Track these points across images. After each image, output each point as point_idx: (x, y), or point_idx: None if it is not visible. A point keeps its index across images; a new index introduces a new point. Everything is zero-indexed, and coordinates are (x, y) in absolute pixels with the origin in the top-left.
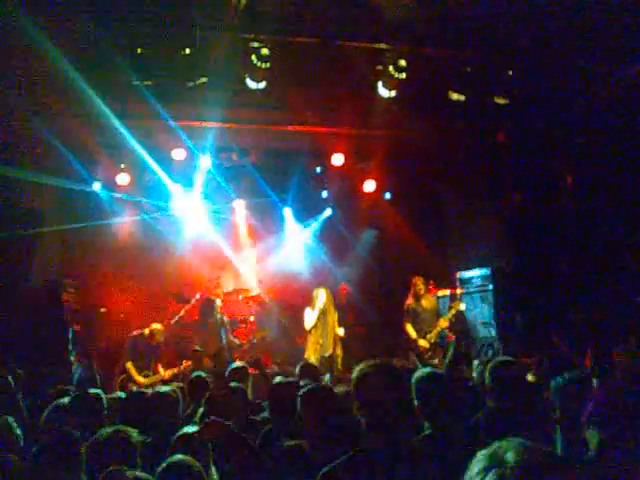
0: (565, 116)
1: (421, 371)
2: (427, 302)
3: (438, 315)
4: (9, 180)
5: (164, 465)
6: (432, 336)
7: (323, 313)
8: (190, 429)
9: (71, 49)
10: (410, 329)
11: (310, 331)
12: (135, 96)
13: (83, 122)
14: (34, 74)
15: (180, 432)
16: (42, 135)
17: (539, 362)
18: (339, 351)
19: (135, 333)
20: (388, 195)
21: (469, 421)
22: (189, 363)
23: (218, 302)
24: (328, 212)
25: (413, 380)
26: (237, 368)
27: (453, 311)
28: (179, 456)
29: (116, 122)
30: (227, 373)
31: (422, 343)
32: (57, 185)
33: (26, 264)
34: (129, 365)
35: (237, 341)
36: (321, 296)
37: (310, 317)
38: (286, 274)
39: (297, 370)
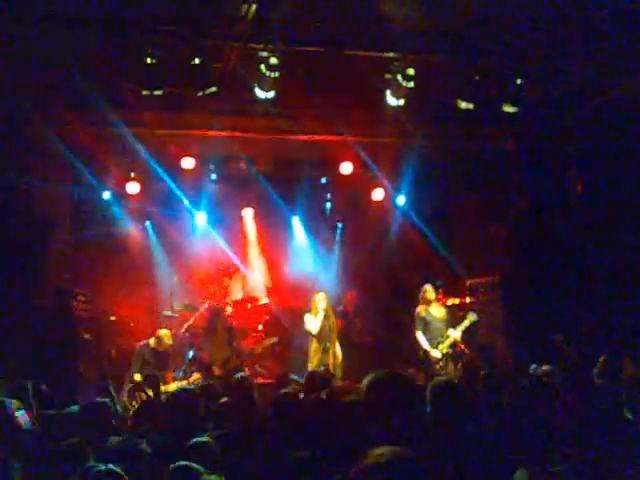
0: (574, 124)
1: (438, 379)
2: (437, 310)
3: (448, 324)
4: (20, 189)
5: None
6: (444, 347)
7: (326, 317)
8: (202, 438)
9: (81, 59)
10: (421, 338)
11: (315, 337)
12: (145, 105)
13: (94, 131)
14: (45, 84)
15: (192, 441)
16: (53, 144)
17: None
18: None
19: (142, 343)
20: (397, 203)
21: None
22: (198, 376)
23: (228, 309)
24: (337, 222)
25: (429, 388)
26: (243, 377)
27: (467, 322)
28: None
29: (126, 131)
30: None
31: (434, 354)
32: (68, 194)
33: (37, 272)
34: (137, 378)
35: (241, 350)
36: (322, 300)
37: (313, 322)
38: (295, 282)
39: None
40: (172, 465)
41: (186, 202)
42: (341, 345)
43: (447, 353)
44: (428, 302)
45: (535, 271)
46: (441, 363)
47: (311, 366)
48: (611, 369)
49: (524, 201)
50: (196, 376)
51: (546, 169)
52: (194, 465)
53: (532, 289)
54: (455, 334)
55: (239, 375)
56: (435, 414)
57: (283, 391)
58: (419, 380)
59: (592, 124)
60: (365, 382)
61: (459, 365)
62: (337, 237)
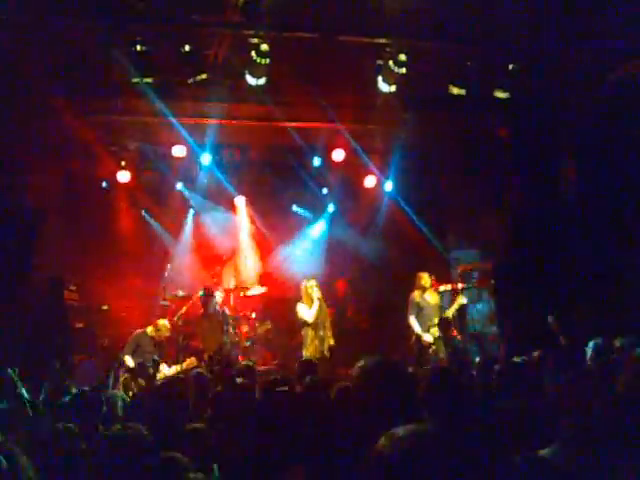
0: (566, 110)
1: (434, 366)
2: (431, 297)
3: (441, 310)
4: (11, 179)
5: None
6: (436, 331)
7: (320, 305)
8: (196, 425)
9: (72, 47)
10: (414, 322)
11: (310, 325)
12: (135, 93)
13: (83, 119)
14: (35, 72)
15: (186, 428)
16: (43, 133)
17: (542, 358)
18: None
19: (138, 331)
20: (389, 190)
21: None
22: (192, 360)
23: (218, 296)
24: (331, 208)
25: (426, 373)
26: (245, 367)
27: (456, 305)
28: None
29: (116, 119)
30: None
31: (426, 338)
32: (59, 183)
33: (28, 262)
34: (127, 361)
35: (234, 338)
36: (316, 289)
37: (308, 311)
38: (287, 270)
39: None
40: (159, 456)
41: (177, 190)
42: (333, 332)
43: (439, 337)
44: (423, 289)
45: (528, 258)
46: (433, 347)
47: (307, 354)
48: (604, 354)
49: (517, 188)
50: (190, 360)
51: (539, 156)
52: (182, 459)
53: (524, 276)
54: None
55: (245, 364)
56: (429, 401)
57: (272, 378)
58: (410, 365)
59: (585, 110)
60: (355, 369)
61: (449, 349)
62: (329, 224)
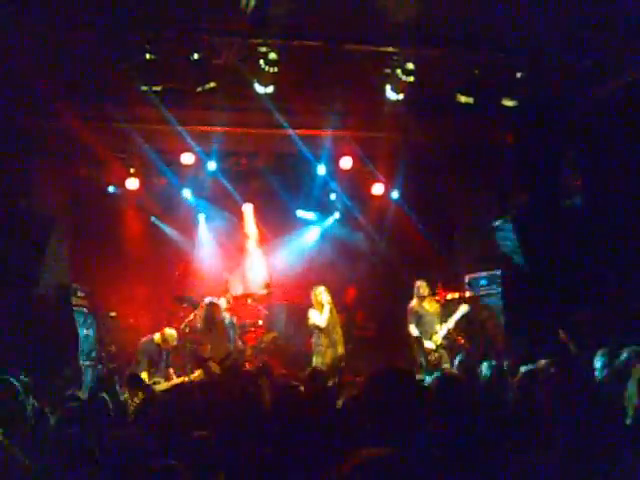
0: (574, 117)
1: (442, 374)
2: (430, 305)
3: (441, 318)
4: (19, 185)
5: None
6: (438, 338)
7: (331, 310)
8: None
9: (82, 55)
10: (414, 330)
11: (322, 331)
12: (144, 101)
13: (93, 127)
14: (45, 79)
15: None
16: (52, 139)
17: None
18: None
19: (145, 339)
20: (396, 198)
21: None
22: (199, 373)
23: (223, 303)
24: (337, 215)
25: (433, 381)
26: (257, 370)
27: (459, 314)
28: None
29: (125, 127)
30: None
31: (427, 345)
32: (67, 190)
33: (36, 269)
34: (144, 376)
35: (241, 345)
36: (325, 294)
37: (320, 316)
38: (295, 276)
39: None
40: (156, 463)
41: (186, 198)
42: (343, 338)
43: (442, 344)
44: (422, 297)
45: (535, 265)
46: (436, 354)
47: (321, 361)
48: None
49: (524, 195)
50: (197, 373)
51: (546, 163)
52: (178, 467)
53: (532, 283)
54: (448, 325)
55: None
56: (438, 408)
57: (281, 385)
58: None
59: (591, 117)
60: (364, 377)
61: (457, 358)
62: (336, 230)
